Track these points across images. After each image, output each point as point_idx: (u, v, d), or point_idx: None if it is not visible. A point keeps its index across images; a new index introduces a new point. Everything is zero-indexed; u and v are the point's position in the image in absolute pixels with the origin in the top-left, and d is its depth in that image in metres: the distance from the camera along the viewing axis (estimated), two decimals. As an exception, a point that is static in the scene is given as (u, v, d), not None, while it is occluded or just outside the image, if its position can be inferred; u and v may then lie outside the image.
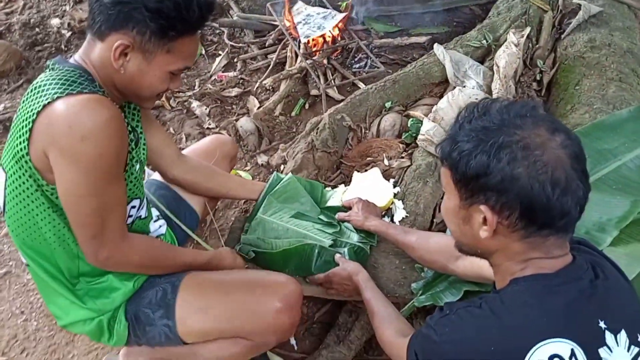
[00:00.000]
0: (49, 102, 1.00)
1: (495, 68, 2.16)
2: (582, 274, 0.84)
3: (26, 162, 1.05)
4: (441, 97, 2.19)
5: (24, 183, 1.09)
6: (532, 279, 0.83)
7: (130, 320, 1.28)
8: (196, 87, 2.64)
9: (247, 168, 2.25)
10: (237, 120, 2.42)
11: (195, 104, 2.52)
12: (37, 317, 1.80)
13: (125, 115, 1.22)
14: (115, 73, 1.07)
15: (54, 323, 1.77)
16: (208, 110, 2.50)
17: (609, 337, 0.79)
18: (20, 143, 1.04)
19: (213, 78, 2.69)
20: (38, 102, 1.02)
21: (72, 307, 1.24)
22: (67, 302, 1.24)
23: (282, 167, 2.14)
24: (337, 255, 1.51)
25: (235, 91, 2.59)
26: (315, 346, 1.64)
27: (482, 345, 0.79)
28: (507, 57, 2.13)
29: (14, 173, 1.09)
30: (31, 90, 1.07)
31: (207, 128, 2.43)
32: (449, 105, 1.99)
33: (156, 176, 1.61)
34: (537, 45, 2.33)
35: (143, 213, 1.32)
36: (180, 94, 2.60)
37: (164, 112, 2.53)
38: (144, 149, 1.26)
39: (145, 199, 1.33)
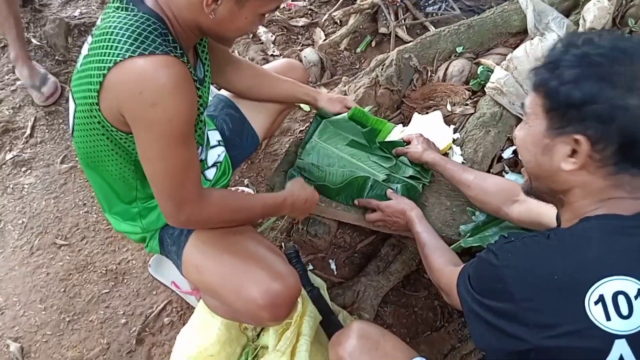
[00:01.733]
0: (120, 60, 0.97)
1: (581, 22, 2.02)
2: None
3: (96, 110, 1.05)
4: (516, 48, 2.08)
5: (91, 123, 1.09)
6: (605, 217, 0.80)
7: (159, 240, 1.34)
8: (264, 13, 2.62)
9: (306, 99, 2.25)
10: (301, 50, 2.40)
11: (261, 29, 2.51)
12: (98, 210, 1.92)
13: (197, 53, 1.21)
14: (202, 17, 1.02)
15: (112, 218, 1.89)
16: (274, 37, 2.49)
17: None
18: (90, 91, 1.03)
19: (282, 6, 2.65)
20: (109, 55, 0.98)
21: (123, 223, 1.33)
22: (119, 219, 1.33)
23: (341, 101, 2.12)
24: (389, 191, 1.51)
25: (302, 21, 2.55)
26: (354, 274, 1.68)
27: (546, 272, 0.77)
28: (596, 11, 1.98)
29: (83, 112, 1.09)
30: (103, 33, 1.02)
31: (272, 55, 2.43)
32: (526, 55, 1.89)
33: (223, 91, 1.63)
34: (631, 2, 2.15)
35: (203, 156, 1.34)
36: (248, 18, 2.59)
37: (231, 34, 2.54)
38: (207, 87, 1.24)
39: (205, 141, 1.32)
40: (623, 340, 0.71)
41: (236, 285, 1.18)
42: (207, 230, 1.26)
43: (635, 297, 0.72)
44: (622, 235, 0.77)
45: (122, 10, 1.03)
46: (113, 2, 1.07)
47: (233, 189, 1.84)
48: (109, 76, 0.99)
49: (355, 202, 1.53)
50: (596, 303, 0.72)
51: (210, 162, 1.41)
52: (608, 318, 0.72)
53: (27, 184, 2.02)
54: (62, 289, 1.73)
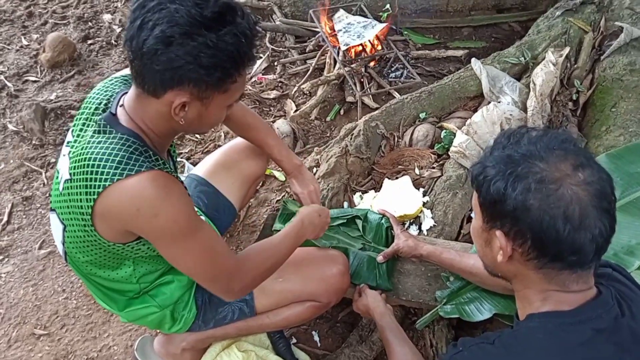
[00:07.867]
0: (109, 185, 1.03)
1: (531, 86, 2.18)
2: (603, 312, 0.83)
3: (91, 231, 1.10)
4: (475, 111, 2.23)
5: (86, 241, 1.14)
6: (547, 315, 0.84)
7: (201, 306, 1.37)
8: (236, 88, 2.74)
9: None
10: (274, 121, 2.50)
11: (234, 103, 2.62)
12: (77, 296, 1.91)
13: (171, 153, 1.28)
14: (174, 123, 1.08)
15: (92, 302, 1.88)
16: (246, 110, 2.59)
17: None
18: (83, 214, 1.08)
19: (253, 80, 2.78)
20: (97, 181, 1.04)
21: (134, 311, 1.33)
22: (128, 310, 1.33)
23: (315, 169, 2.20)
24: (362, 286, 1.55)
25: (273, 93, 2.67)
26: (337, 345, 1.69)
27: None
28: (544, 75, 2.15)
29: (75, 231, 1.14)
30: (86, 159, 1.06)
31: (245, 127, 2.52)
32: (483, 120, 2.02)
33: (195, 170, 1.70)
34: (575, 66, 2.33)
35: None
36: (221, 93, 2.70)
37: (205, 109, 2.63)
38: (179, 169, 1.31)
39: None
40: None
41: (319, 269, 1.45)
42: None
43: None
44: (565, 333, 0.81)
45: (101, 134, 1.09)
46: (90, 120, 1.12)
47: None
48: (101, 201, 1.04)
49: None
50: None
51: None
52: None
53: (4, 273, 2.01)
54: (42, 382, 1.70)
